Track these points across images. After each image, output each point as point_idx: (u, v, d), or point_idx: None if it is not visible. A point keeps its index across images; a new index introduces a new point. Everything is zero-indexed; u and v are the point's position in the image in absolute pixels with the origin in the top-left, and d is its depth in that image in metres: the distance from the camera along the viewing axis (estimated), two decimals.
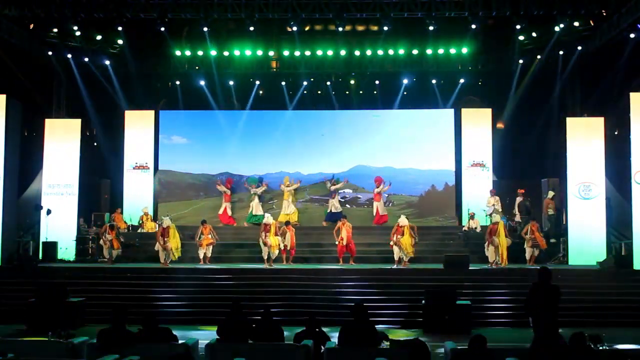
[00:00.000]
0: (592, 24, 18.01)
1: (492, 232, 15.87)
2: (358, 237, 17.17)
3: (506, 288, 14.29)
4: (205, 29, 18.11)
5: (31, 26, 18.47)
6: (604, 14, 17.33)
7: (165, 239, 16.27)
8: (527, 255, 16.27)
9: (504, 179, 20.47)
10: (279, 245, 16.32)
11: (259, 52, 20.07)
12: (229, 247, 18.03)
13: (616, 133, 18.66)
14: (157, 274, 15.54)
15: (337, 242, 16.63)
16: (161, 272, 15.62)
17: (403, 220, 16.35)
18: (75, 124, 19.30)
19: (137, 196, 20.36)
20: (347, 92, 21.86)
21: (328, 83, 21.49)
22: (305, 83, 21.36)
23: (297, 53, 20.05)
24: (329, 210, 19.69)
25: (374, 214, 19.67)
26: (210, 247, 16.80)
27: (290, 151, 21.48)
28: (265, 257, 16.22)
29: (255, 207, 19.65)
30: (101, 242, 17.19)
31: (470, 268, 15.17)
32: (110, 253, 16.91)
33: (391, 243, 16.21)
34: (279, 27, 19.41)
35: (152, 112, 21.15)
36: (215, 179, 20.67)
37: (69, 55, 19.66)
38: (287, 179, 20.04)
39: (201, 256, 16.65)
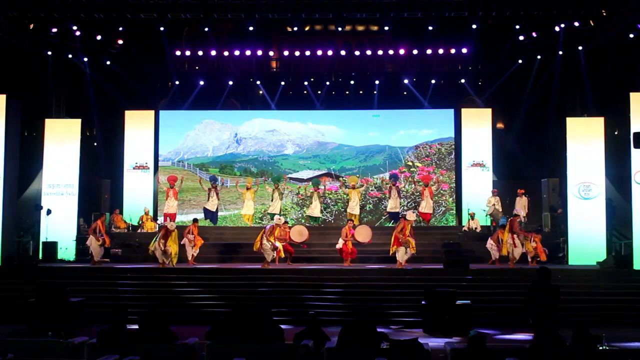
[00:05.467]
0: (592, 24, 18.00)
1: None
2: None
3: (506, 288, 14.29)
4: (206, 29, 18.13)
5: (31, 26, 18.47)
6: (604, 14, 17.34)
7: (167, 242, 16.10)
8: (529, 257, 16.27)
9: (504, 179, 20.47)
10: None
11: (259, 52, 20.07)
12: (229, 247, 18.03)
13: (616, 133, 18.66)
14: (157, 274, 15.53)
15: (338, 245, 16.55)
16: (161, 272, 15.61)
17: (411, 215, 16.36)
18: (75, 124, 19.31)
19: (137, 196, 20.37)
20: (347, 92, 21.88)
21: (328, 83, 21.51)
22: (305, 83, 21.38)
23: (297, 53, 20.05)
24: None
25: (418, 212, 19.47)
26: (198, 248, 16.65)
27: (289, 151, 21.62)
28: (270, 259, 16.08)
29: (316, 207, 19.43)
30: (92, 241, 16.64)
31: (470, 268, 15.17)
32: (103, 252, 16.64)
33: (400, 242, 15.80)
34: (279, 27, 19.42)
35: (152, 112, 21.17)
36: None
37: (69, 55, 19.66)
38: (355, 179, 19.89)
39: (189, 257, 16.43)
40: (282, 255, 16.32)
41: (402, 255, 15.70)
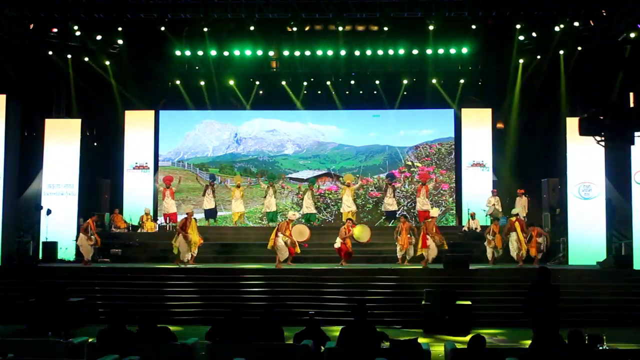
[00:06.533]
0: (592, 24, 18.00)
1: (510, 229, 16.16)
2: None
3: (506, 288, 14.29)
4: (205, 29, 18.13)
5: (31, 26, 18.45)
6: (604, 14, 17.33)
7: (187, 231, 15.87)
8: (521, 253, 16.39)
9: (504, 179, 20.47)
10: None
11: (259, 52, 20.04)
12: (229, 247, 18.02)
13: None
14: (157, 274, 15.53)
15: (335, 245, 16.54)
16: (161, 272, 15.61)
17: (436, 211, 16.50)
18: (75, 124, 19.30)
19: (137, 196, 20.37)
20: (347, 92, 21.87)
21: (328, 83, 21.49)
22: (305, 83, 21.37)
23: (297, 53, 20.02)
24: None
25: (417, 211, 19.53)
26: (197, 248, 16.55)
27: (289, 151, 21.64)
28: (284, 259, 15.95)
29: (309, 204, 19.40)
30: (82, 241, 16.55)
31: (470, 268, 15.17)
32: (93, 252, 16.61)
33: (429, 242, 15.95)
34: (279, 27, 19.39)
35: (152, 112, 21.18)
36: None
37: (69, 55, 19.65)
38: (350, 177, 19.87)
39: (188, 256, 16.33)
40: (298, 250, 16.23)
41: (433, 254, 15.88)
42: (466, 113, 20.73)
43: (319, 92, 21.72)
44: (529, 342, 7.47)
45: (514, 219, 16.40)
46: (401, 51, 19.88)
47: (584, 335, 7.16)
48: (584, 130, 10.49)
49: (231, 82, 21.25)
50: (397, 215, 19.37)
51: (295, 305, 13.67)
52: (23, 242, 18.08)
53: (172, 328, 8.21)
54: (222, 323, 8.54)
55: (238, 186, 19.48)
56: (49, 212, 18.01)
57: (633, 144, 10.16)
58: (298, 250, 16.11)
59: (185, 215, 16.38)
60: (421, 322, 12.58)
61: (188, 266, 15.97)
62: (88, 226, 16.63)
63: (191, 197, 21.27)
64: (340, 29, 18.09)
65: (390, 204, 19.21)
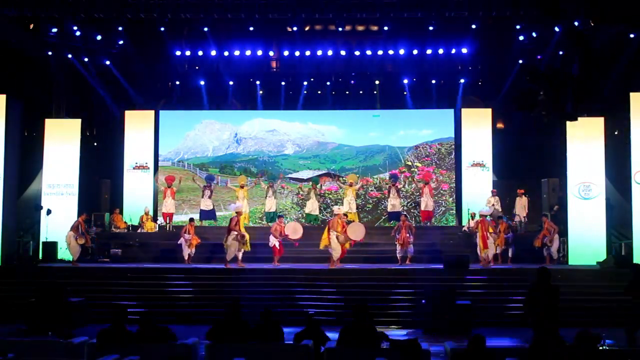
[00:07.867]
0: (592, 24, 17.99)
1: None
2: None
3: (506, 288, 14.29)
4: (206, 29, 18.14)
5: (31, 26, 18.47)
6: (604, 13, 17.31)
7: (239, 229, 15.75)
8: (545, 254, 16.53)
9: (504, 179, 20.45)
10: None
11: (259, 52, 20.07)
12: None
13: (616, 133, 18.65)
14: (157, 274, 15.53)
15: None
16: (160, 272, 15.61)
17: (486, 210, 16.70)
18: (75, 124, 19.29)
19: (137, 196, 20.35)
20: (347, 92, 21.87)
21: (328, 83, 21.49)
22: (305, 83, 21.37)
23: (297, 53, 20.05)
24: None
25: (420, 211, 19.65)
26: (194, 248, 16.61)
27: (289, 151, 21.64)
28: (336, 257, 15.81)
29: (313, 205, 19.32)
30: (71, 239, 16.57)
31: (470, 268, 15.17)
32: (81, 251, 16.62)
33: (489, 241, 16.06)
34: (279, 27, 19.42)
35: (152, 112, 21.15)
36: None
37: (69, 55, 19.66)
38: (355, 177, 19.83)
39: (186, 256, 16.41)
40: (347, 247, 16.03)
41: (492, 252, 16.09)
42: (466, 113, 20.70)
43: (319, 92, 21.71)
44: (529, 342, 7.46)
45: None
46: (401, 51, 19.91)
47: (592, 335, 7.12)
48: (519, 106, 10.05)
49: (231, 82, 21.26)
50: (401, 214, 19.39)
51: (295, 305, 13.67)
52: (23, 242, 18.10)
53: (172, 328, 8.20)
54: (222, 323, 8.53)
55: (242, 186, 19.42)
56: (49, 212, 18.00)
57: (575, 119, 9.78)
58: (347, 246, 15.98)
59: (235, 214, 16.15)
60: (421, 322, 12.57)
61: (236, 266, 15.73)
62: (78, 225, 16.65)
63: (191, 197, 21.24)
64: (340, 29, 18.10)
65: (394, 205, 19.13)
